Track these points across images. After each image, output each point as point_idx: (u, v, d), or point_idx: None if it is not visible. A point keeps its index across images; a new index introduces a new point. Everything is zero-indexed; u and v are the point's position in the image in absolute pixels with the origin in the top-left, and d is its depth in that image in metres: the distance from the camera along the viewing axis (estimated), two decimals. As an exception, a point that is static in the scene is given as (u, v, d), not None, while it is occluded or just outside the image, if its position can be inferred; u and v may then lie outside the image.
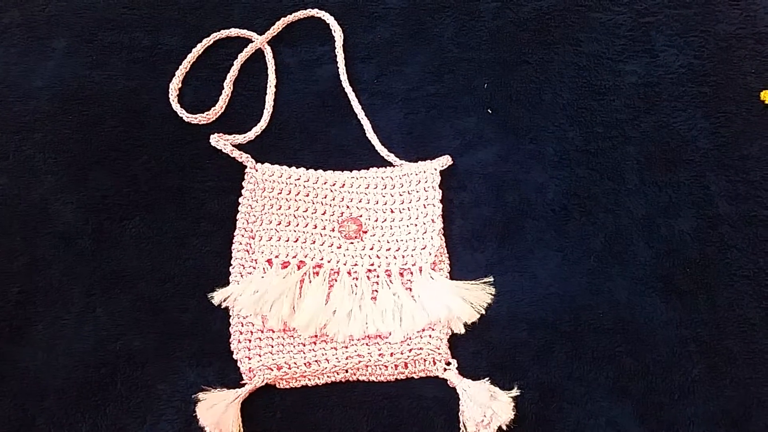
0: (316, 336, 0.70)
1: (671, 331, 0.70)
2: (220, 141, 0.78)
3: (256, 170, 0.77)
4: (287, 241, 0.73)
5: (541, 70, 0.83)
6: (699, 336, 0.70)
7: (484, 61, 0.84)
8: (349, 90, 0.83)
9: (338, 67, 0.84)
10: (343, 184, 0.77)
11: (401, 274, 0.73)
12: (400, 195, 0.76)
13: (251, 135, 0.80)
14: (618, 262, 0.73)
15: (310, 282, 0.72)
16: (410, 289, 0.72)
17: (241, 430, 0.66)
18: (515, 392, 0.67)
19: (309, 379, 0.69)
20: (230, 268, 0.73)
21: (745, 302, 0.71)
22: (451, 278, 0.73)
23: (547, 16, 0.87)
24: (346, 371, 0.69)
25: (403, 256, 0.73)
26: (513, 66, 0.84)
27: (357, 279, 0.72)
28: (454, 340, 0.70)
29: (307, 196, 0.76)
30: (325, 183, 0.76)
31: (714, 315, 0.71)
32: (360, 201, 0.76)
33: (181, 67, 0.83)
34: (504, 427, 0.66)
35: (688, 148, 0.79)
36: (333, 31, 0.85)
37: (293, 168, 0.77)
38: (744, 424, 0.67)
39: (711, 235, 0.75)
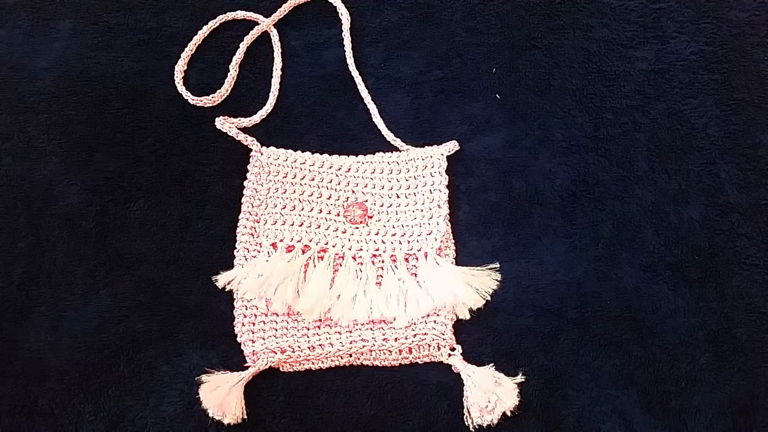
0: (320, 320, 0.70)
1: (679, 319, 0.70)
2: (225, 124, 0.78)
3: (261, 154, 0.76)
4: (292, 225, 0.73)
5: (550, 55, 0.82)
6: (707, 324, 0.70)
7: (493, 46, 0.83)
8: (355, 74, 0.82)
9: (345, 51, 0.83)
10: (349, 169, 0.76)
11: (406, 260, 0.72)
12: (406, 180, 0.76)
13: (257, 118, 0.79)
14: (626, 250, 0.73)
15: (315, 266, 0.71)
16: (415, 275, 0.71)
17: (244, 412, 0.66)
18: (520, 378, 0.67)
19: (313, 363, 0.68)
20: (235, 251, 0.72)
21: (755, 291, 0.71)
22: (457, 264, 0.72)
23: (557, 0, 0.86)
24: (350, 355, 0.69)
25: (409, 242, 0.73)
26: (522, 51, 0.83)
27: (362, 264, 0.72)
28: (459, 326, 0.70)
29: (313, 180, 0.75)
30: (330, 167, 0.76)
31: (722, 303, 0.70)
32: (366, 186, 0.76)
33: (186, 49, 0.82)
34: (508, 413, 0.65)
35: (698, 136, 0.78)
36: (340, 14, 0.85)
37: (299, 152, 0.76)
38: (752, 413, 0.66)
39: (720, 223, 0.74)
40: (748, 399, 0.67)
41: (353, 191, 0.75)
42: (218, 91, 0.81)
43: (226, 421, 0.65)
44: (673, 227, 0.74)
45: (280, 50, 0.83)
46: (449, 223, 0.74)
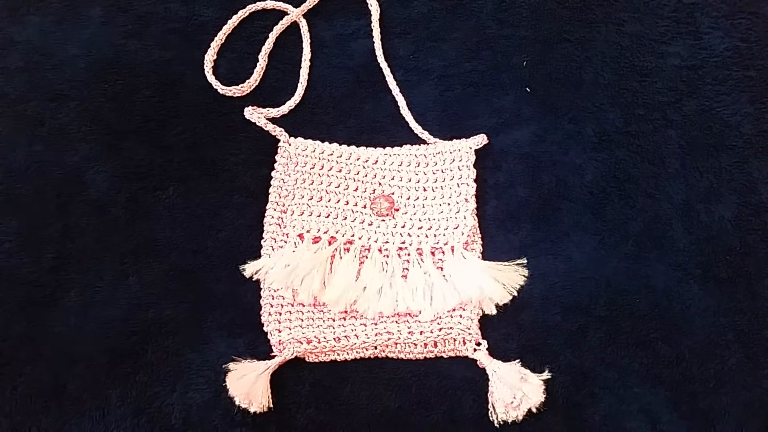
0: (345, 312, 0.70)
1: (708, 319, 0.69)
2: (254, 114, 0.78)
3: (290, 144, 0.76)
4: (319, 216, 0.73)
5: (582, 49, 0.81)
6: (737, 325, 0.69)
7: (524, 38, 0.82)
8: (384, 65, 0.81)
9: (374, 42, 0.83)
10: (376, 161, 0.76)
11: (433, 253, 0.72)
12: (434, 173, 0.75)
13: (285, 109, 0.79)
14: (656, 248, 0.72)
15: (341, 258, 0.71)
16: (441, 269, 0.71)
17: (270, 401, 0.66)
18: (546, 375, 0.66)
19: (338, 354, 0.68)
20: (262, 241, 0.73)
21: (787, 292, 0.70)
22: (484, 259, 0.72)
23: (590, -7, 0.85)
24: (375, 348, 0.69)
25: (435, 235, 0.72)
26: (553, 44, 0.82)
27: (388, 256, 0.72)
28: (484, 321, 0.70)
29: (340, 171, 0.75)
30: (357, 159, 0.76)
31: (753, 304, 0.69)
32: (393, 178, 0.75)
33: (216, 38, 0.82)
34: (534, 410, 0.65)
35: (731, 133, 0.77)
36: (369, 5, 0.84)
37: (326, 143, 0.76)
38: (782, 416, 0.65)
39: (753, 223, 0.73)
40: (779, 401, 0.66)
41: (380, 183, 0.75)
42: (247, 81, 0.81)
43: (252, 410, 0.65)
44: (705, 226, 0.73)
45: (309, 41, 0.83)
46: (476, 218, 0.74)
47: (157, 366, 0.68)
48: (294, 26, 0.84)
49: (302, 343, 0.68)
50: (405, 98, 0.80)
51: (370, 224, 0.73)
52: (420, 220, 0.73)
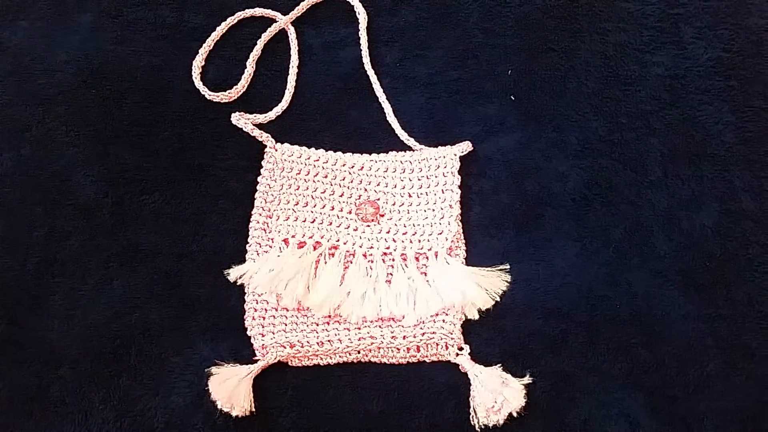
0: (329, 316, 0.70)
1: (688, 325, 0.70)
2: (241, 120, 0.79)
3: (276, 150, 0.77)
4: (304, 221, 0.73)
5: (566, 58, 0.82)
6: (716, 331, 0.69)
7: (509, 48, 0.83)
8: (371, 73, 0.82)
9: (361, 50, 0.83)
10: (362, 167, 0.76)
11: (417, 259, 0.72)
12: (419, 179, 0.76)
13: (272, 115, 0.80)
14: (637, 254, 0.72)
15: (326, 263, 0.72)
16: (425, 274, 0.71)
17: (253, 405, 0.66)
18: (527, 380, 0.67)
19: (321, 359, 0.69)
20: (247, 246, 0.73)
21: (765, 298, 0.70)
22: (467, 264, 0.72)
23: (575, 3, 0.85)
24: (358, 352, 0.69)
25: (420, 241, 0.73)
26: (538, 53, 0.83)
27: (372, 262, 0.72)
28: (467, 326, 0.70)
29: (326, 177, 0.76)
30: (343, 165, 0.76)
31: (732, 310, 0.70)
32: (378, 184, 0.76)
33: (204, 45, 0.83)
34: (515, 414, 0.65)
35: (713, 142, 0.78)
36: (357, 14, 0.85)
37: (312, 149, 0.77)
38: (759, 422, 0.66)
39: (733, 230, 0.74)
40: (757, 407, 0.66)
41: (366, 189, 0.76)
42: (235, 87, 0.81)
43: (234, 414, 0.66)
44: (685, 233, 0.74)
45: (297, 48, 0.84)
46: (460, 224, 0.74)
47: (140, 369, 0.69)
48: (282, 33, 0.85)
49: (285, 348, 0.68)
50: (391, 105, 0.80)
51: (355, 229, 0.74)
52: (405, 226, 0.74)
